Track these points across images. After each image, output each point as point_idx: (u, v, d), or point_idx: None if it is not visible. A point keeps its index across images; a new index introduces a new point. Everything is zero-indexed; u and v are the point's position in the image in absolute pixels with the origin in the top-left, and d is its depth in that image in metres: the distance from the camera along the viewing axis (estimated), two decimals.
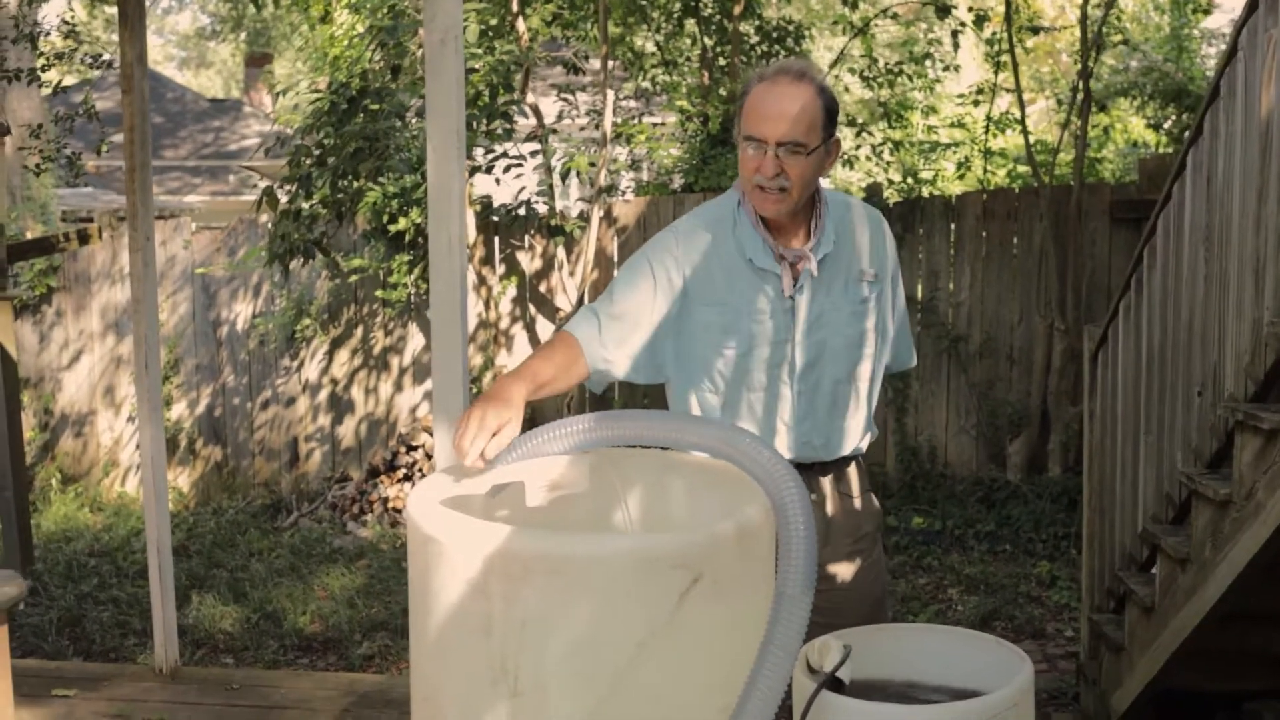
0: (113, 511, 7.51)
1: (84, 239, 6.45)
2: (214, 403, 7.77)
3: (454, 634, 1.85)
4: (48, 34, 7.78)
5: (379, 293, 7.22)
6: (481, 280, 7.14)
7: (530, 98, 6.46)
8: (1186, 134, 8.07)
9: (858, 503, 2.54)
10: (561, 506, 2.21)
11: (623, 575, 1.76)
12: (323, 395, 7.59)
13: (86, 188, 14.88)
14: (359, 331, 7.52)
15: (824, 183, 2.51)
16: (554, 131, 6.23)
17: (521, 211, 5.71)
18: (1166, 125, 10.78)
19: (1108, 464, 3.99)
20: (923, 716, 1.90)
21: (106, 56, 8.03)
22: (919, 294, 6.95)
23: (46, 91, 7.22)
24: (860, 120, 8.35)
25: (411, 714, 2.07)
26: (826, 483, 2.49)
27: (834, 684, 2.04)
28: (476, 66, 5.43)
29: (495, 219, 6.95)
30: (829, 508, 2.50)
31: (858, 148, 8.13)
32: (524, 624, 1.77)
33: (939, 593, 5.61)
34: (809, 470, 2.46)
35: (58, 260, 7.78)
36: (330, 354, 7.55)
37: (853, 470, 2.54)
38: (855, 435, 2.51)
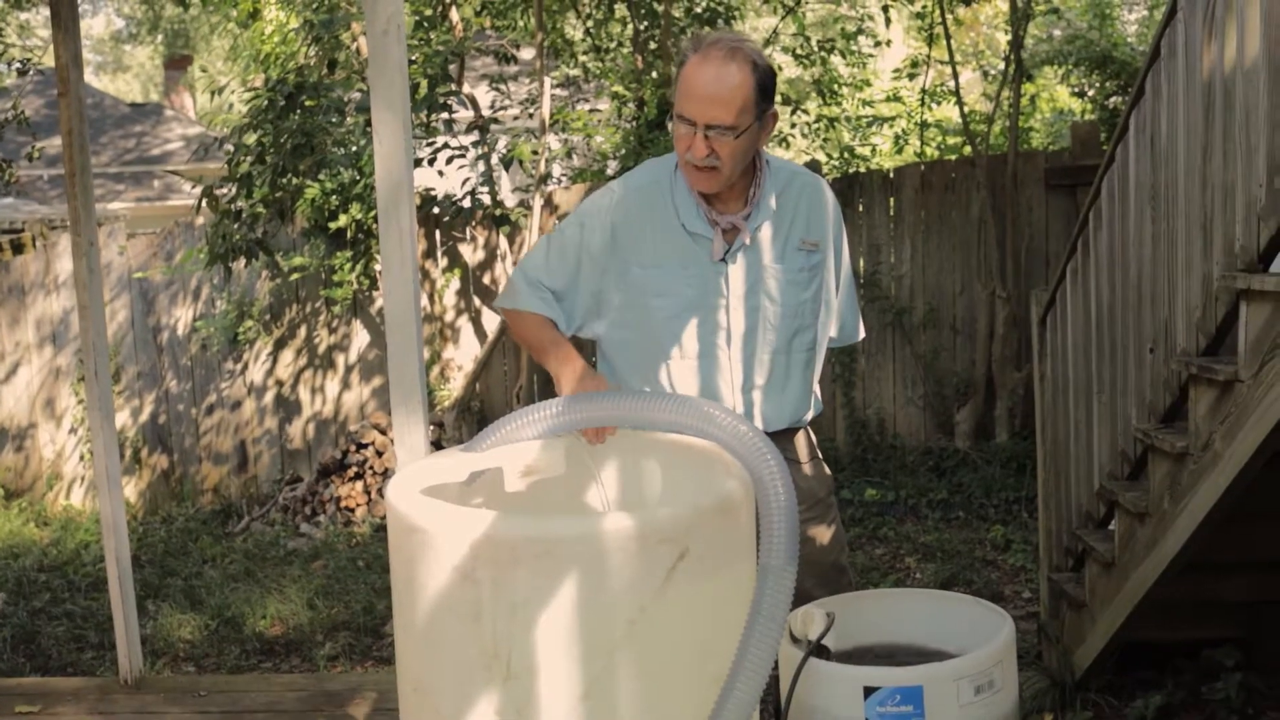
0: (60, 525, 7.37)
1: (18, 249, 6.32)
2: (157, 410, 7.65)
3: (443, 622, 1.85)
4: None
5: (323, 291, 7.15)
6: (424, 274, 7.09)
7: (465, 88, 6.42)
8: (1112, 100, 8.14)
9: (807, 469, 2.58)
10: (538, 491, 2.22)
11: (611, 553, 1.77)
12: (269, 397, 7.51)
13: (7, 199, 14.56)
14: (302, 331, 7.44)
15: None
16: (495, 121, 6.20)
17: (466, 203, 5.67)
18: (1091, 93, 10.93)
19: (1060, 425, 4.06)
20: (911, 676, 1.93)
21: (32, 61, 7.84)
22: (861, 268, 7.01)
23: None
24: (794, 99, 8.39)
25: (400, 705, 2.06)
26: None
27: (819, 651, 2.07)
28: (413, 58, 5.38)
29: (437, 211, 6.90)
30: None
31: (793, 126, 8.17)
32: (514, 608, 1.77)
33: (896, 562, 5.68)
34: None
35: None
36: (274, 355, 7.46)
37: (800, 438, 2.57)
38: (798, 406, 2.53)
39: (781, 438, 2.55)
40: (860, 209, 7.02)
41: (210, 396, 7.59)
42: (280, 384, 7.49)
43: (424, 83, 5.23)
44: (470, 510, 1.83)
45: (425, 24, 5.75)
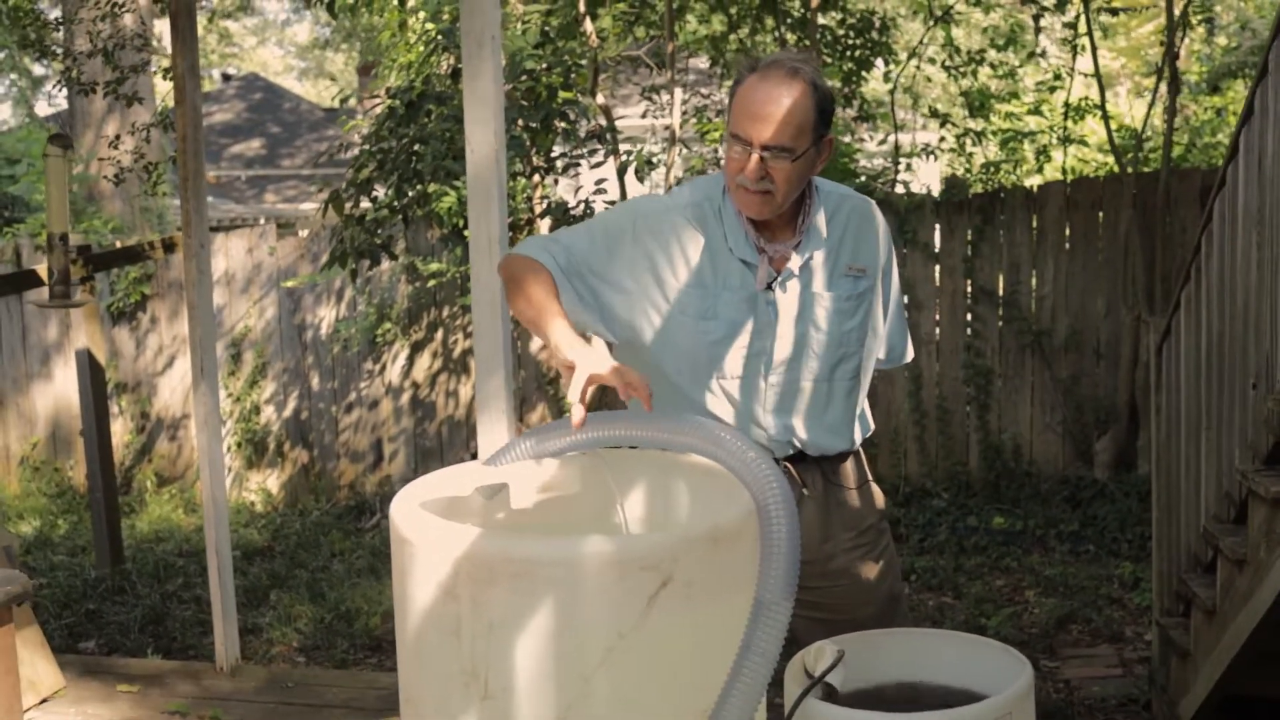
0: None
1: (169, 247, 6.62)
2: (300, 406, 7.92)
3: (428, 636, 1.84)
4: (142, 48, 7.98)
5: (460, 298, 7.27)
6: None
7: (601, 98, 6.46)
8: None
9: (855, 495, 2.47)
10: (561, 509, 2.19)
11: (589, 578, 1.73)
12: (405, 398, 7.69)
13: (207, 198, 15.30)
14: (439, 335, 7.59)
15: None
16: (613, 130, 6.20)
17: (578, 211, 5.71)
18: None
19: (1174, 461, 3.84)
20: None
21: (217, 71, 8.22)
22: (1000, 287, 6.77)
23: (126, 104, 7.37)
24: (943, 110, 8.18)
25: (401, 716, 2.07)
26: (819, 476, 2.43)
27: (828, 690, 1.98)
28: (539, 68, 5.43)
29: (571, 220, 6.94)
30: (826, 502, 2.44)
31: (941, 140, 7.96)
32: (492, 627, 1.75)
33: (1016, 594, 5.45)
34: (802, 463, 2.40)
35: (152, 268, 8.01)
36: (411, 357, 7.64)
37: (848, 463, 2.47)
38: (842, 433, 2.43)
39: (829, 463, 2.47)
40: (1001, 226, 6.78)
41: (350, 395, 7.81)
42: (416, 386, 7.66)
43: (544, 92, 5.28)
44: (451, 525, 1.82)
45: (552, 35, 5.78)
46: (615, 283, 2.34)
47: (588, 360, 1.99)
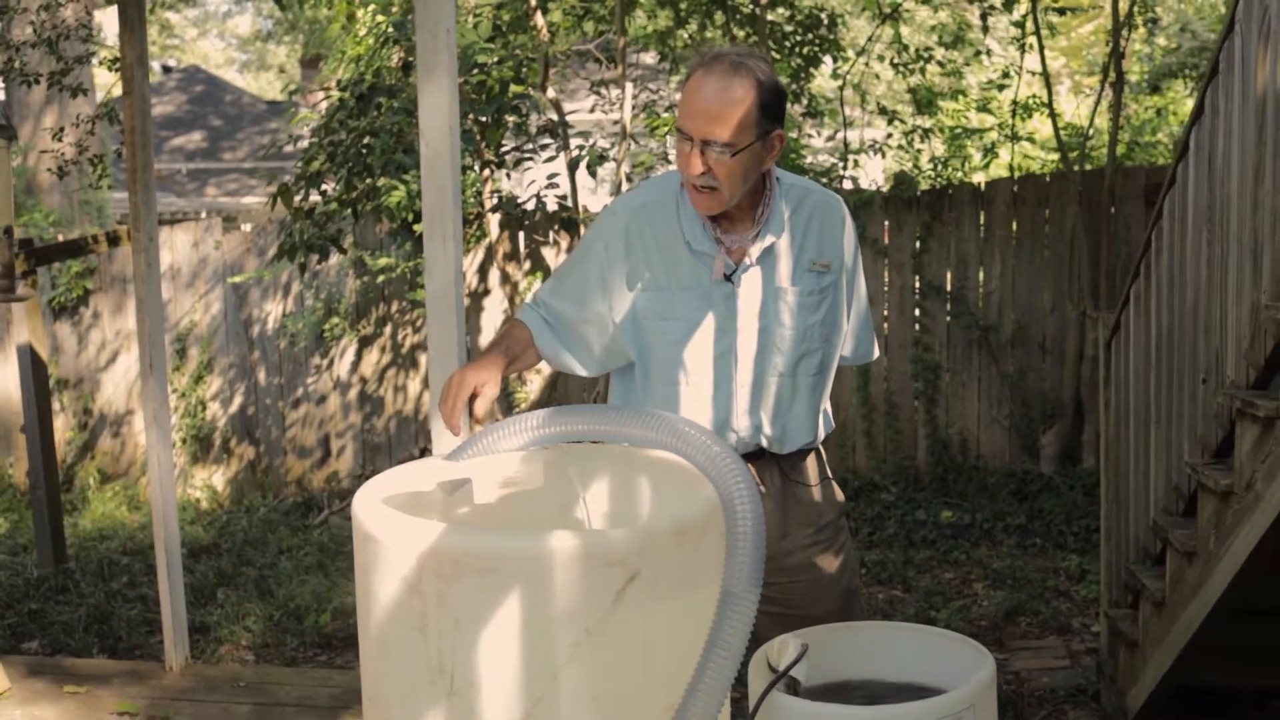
0: (150, 510, 7.57)
1: (113, 241, 6.50)
2: (246, 401, 7.83)
3: (393, 633, 1.83)
4: (86, 39, 7.83)
5: (409, 295, 7.22)
6: (506, 277, 7.11)
7: (551, 92, 6.44)
8: None
9: (815, 492, 2.48)
10: (524, 504, 2.18)
11: (555, 573, 1.72)
12: (353, 393, 7.62)
13: None
14: (388, 329, 7.54)
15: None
16: (564, 124, 6.18)
17: (530, 205, 5.68)
18: None
19: (1122, 455, 3.89)
20: (873, 717, 1.84)
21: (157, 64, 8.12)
22: (948, 284, 6.83)
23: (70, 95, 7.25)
24: (891, 109, 8.24)
25: (363, 714, 2.05)
26: (778, 472, 2.44)
27: (791, 684, 1.99)
28: (490, 61, 5.39)
29: (521, 215, 6.91)
30: (784, 498, 2.45)
31: (889, 136, 8.02)
32: (457, 622, 1.74)
33: (964, 588, 5.51)
34: (760, 460, 2.41)
35: (94, 262, 7.87)
36: (359, 352, 7.57)
37: (809, 460, 2.48)
38: (806, 430, 2.44)
39: (790, 459, 2.48)
40: (949, 222, 6.84)
41: (297, 390, 7.73)
42: (364, 381, 7.60)
43: (496, 86, 5.24)
44: (416, 521, 1.80)
45: (503, 29, 5.75)
46: (586, 306, 2.39)
47: (458, 373, 2.16)
